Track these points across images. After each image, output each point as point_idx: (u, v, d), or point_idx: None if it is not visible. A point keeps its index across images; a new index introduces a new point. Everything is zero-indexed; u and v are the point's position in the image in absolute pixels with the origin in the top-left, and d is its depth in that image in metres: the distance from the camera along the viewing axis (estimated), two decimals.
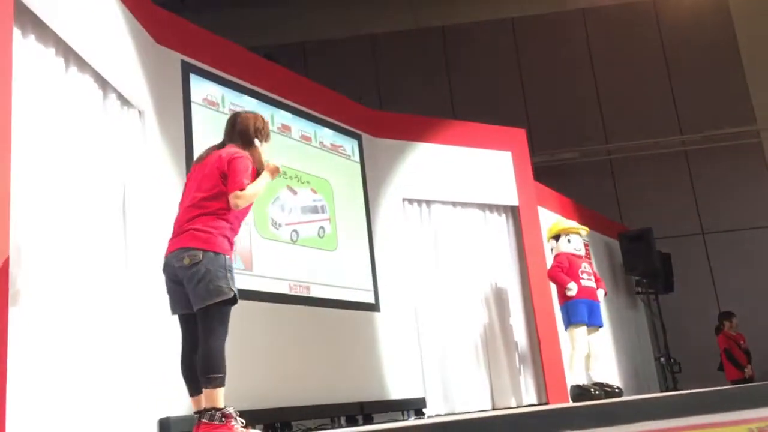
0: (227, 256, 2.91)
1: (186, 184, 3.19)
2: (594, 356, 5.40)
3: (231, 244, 3.00)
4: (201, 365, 2.81)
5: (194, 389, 2.91)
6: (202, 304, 2.83)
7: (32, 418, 2.75)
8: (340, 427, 4.84)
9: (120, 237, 3.68)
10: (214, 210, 2.95)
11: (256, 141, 3.16)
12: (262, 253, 4.74)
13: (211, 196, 2.96)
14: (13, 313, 2.73)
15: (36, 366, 2.81)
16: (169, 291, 3.01)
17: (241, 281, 3.70)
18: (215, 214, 2.95)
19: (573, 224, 5.87)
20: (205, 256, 2.84)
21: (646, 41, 10.27)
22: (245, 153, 3.08)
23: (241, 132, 3.17)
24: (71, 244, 3.21)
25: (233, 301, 2.89)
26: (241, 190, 2.92)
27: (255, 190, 2.99)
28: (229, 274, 2.88)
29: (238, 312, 3.00)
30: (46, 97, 3.17)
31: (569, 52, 10.31)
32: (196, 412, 2.89)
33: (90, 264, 3.34)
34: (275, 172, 3.11)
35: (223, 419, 2.78)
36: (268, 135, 3.25)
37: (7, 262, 2.68)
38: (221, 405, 2.80)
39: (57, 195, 3.15)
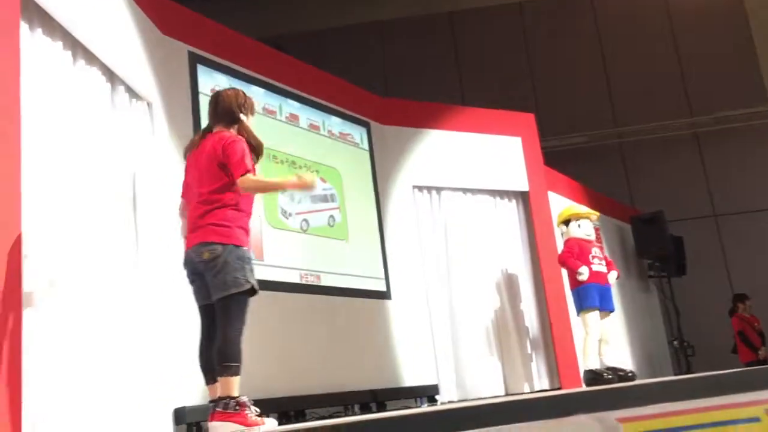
0: (245, 248, 2.95)
1: (186, 175, 3.20)
2: (605, 341, 5.39)
3: (247, 233, 3.01)
4: (217, 353, 2.84)
5: (211, 378, 2.94)
6: (220, 294, 2.89)
7: (49, 409, 2.78)
8: (354, 414, 4.85)
9: (131, 229, 3.69)
10: (226, 202, 2.97)
11: (242, 116, 3.15)
12: (273, 243, 4.75)
13: (218, 189, 2.98)
14: (26, 308, 2.75)
15: (51, 358, 2.84)
16: (192, 283, 3.07)
17: None
18: (228, 206, 2.97)
19: (583, 209, 5.83)
20: (225, 249, 2.89)
21: (656, 22, 10.17)
22: (236, 135, 3.07)
23: (225, 111, 3.15)
24: (82, 237, 3.22)
25: (251, 292, 2.95)
26: (248, 172, 2.92)
27: (264, 184, 2.99)
28: (247, 266, 2.92)
29: (250, 302, 3.01)
30: (54, 91, 3.18)
31: (578, 35, 10.23)
32: (211, 401, 2.91)
33: (101, 257, 3.35)
34: (304, 186, 3.03)
35: (238, 408, 2.80)
36: (252, 108, 3.23)
37: (20, 254, 2.69)
38: (236, 394, 2.82)
39: (67, 189, 3.16)
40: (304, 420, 4.49)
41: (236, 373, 2.83)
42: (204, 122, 4.44)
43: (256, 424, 2.79)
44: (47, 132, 3.07)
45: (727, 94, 9.70)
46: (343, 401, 4.96)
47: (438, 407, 4.85)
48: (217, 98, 3.21)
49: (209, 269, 2.90)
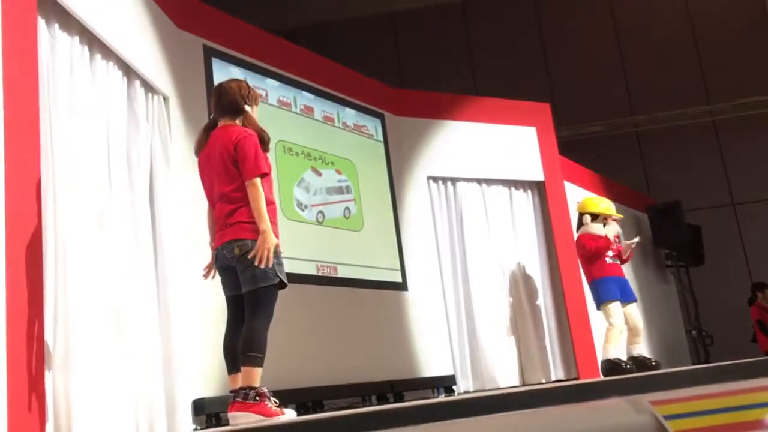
0: (275, 242, 2.95)
1: (202, 176, 3.19)
2: (635, 331, 5.36)
3: (275, 225, 3.02)
4: (242, 343, 2.88)
5: (233, 368, 2.97)
6: (250, 287, 2.94)
7: (71, 400, 2.81)
8: (371, 405, 4.88)
9: (148, 222, 3.72)
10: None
11: (246, 107, 3.14)
12: (289, 235, 4.75)
13: (238, 187, 2.99)
14: (48, 301, 2.79)
15: (73, 351, 2.87)
16: (221, 275, 3.11)
17: None
18: None
19: (613, 210, 5.78)
20: (254, 245, 2.92)
21: (673, 9, 10.06)
22: (246, 130, 3.06)
23: (229, 103, 3.14)
24: (99, 231, 3.25)
25: (280, 286, 2.98)
26: (259, 175, 2.95)
27: (258, 206, 2.94)
28: (275, 260, 2.94)
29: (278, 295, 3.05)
30: (71, 86, 3.20)
31: (593, 23, 10.14)
32: (231, 391, 2.94)
33: (119, 251, 3.38)
34: (263, 242, 2.91)
35: (258, 398, 2.83)
36: (255, 98, 3.20)
37: (40, 249, 2.73)
38: (257, 384, 2.86)
39: (84, 182, 3.18)
40: (322, 411, 4.52)
41: (259, 364, 2.87)
42: None
43: (276, 415, 2.82)
44: (64, 126, 3.09)
45: (746, 81, 9.58)
46: (361, 392, 4.98)
47: (455, 397, 4.86)
48: (220, 90, 3.19)
49: (240, 263, 2.95)
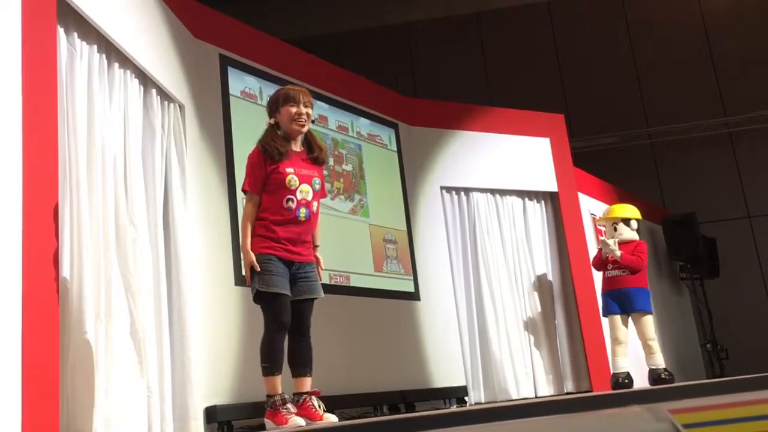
0: (262, 254, 3.01)
1: None
2: (644, 346, 5.27)
3: (269, 237, 3.03)
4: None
5: (293, 372, 3.09)
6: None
7: (85, 406, 2.83)
8: (383, 414, 4.86)
9: (161, 230, 3.73)
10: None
11: (271, 120, 3.19)
12: None
13: None
14: (63, 308, 2.81)
15: (87, 356, 2.88)
16: None
17: None
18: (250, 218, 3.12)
19: (605, 216, 5.75)
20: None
21: (687, 20, 10.02)
22: (255, 149, 3.14)
23: (269, 114, 3.24)
24: (114, 238, 3.27)
25: (265, 296, 3.00)
26: (246, 192, 3.11)
27: (243, 224, 3.11)
28: (258, 272, 2.98)
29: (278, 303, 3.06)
30: (89, 93, 3.23)
31: (608, 34, 10.12)
32: (294, 394, 3.04)
33: (133, 257, 3.39)
34: (246, 266, 3.06)
35: (273, 407, 2.93)
36: (284, 98, 3.15)
37: (56, 252, 2.75)
38: (274, 392, 2.95)
39: (100, 189, 3.21)
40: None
41: (266, 373, 2.96)
42: (234, 124, 4.52)
43: (281, 423, 2.86)
44: (82, 133, 3.12)
45: (762, 92, 9.52)
46: (372, 402, 4.96)
47: (467, 408, 4.83)
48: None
49: None
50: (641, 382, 5.51)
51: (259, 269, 2.97)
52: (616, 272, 5.38)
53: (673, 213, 9.00)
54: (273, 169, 3.04)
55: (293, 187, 3.05)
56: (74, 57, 3.14)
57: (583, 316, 6.28)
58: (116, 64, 3.51)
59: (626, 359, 5.27)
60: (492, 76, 9.97)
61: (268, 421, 2.94)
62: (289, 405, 2.93)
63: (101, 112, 3.29)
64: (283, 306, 3.01)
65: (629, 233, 5.46)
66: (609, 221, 5.55)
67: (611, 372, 5.36)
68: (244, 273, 3.06)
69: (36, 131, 2.66)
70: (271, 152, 3.06)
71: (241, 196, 4.33)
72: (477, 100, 8.13)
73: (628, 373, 5.22)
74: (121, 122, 3.48)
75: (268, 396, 2.95)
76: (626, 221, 5.48)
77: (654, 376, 5.17)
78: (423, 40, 10.14)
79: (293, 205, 3.05)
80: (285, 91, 3.20)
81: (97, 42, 3.35)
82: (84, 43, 3.25)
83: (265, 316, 3.02)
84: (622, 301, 5.30)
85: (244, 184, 3.12)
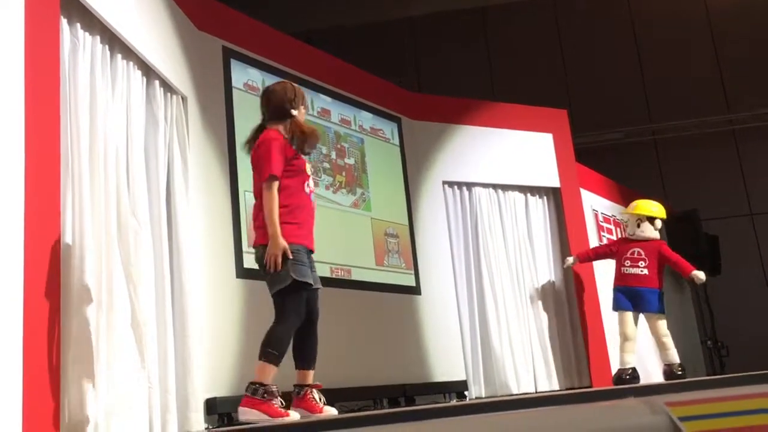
0: (292, 244, 2.97)
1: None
2: (633, 340, 5.30)
3: (296, 225, 3.03)
4: (265, 336, 2.95)
5: (298, 364, 3.09)
6: (270, 292, 3.02)
7: (87, 398, 2.84)
8: (383, 408, 4.87)
9: (164, 222, 3.74)
10: None
11: (293, 111, 3.18)
12: None
13: (261, 191, 3.08)
14: (66, 300, 2.81)
15: (88, 348, 2.89)
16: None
17: None
18: None
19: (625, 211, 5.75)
20: (266, 250, 2.97)
21: (692, 16, 9.98)
22: (271, 134, 3.09)
23: (276, 108, 3.21)
24: (116, 230, 3.27)
25: (297, 285, 2.97)
26: (271, 177, 2.98)
27: (270, 209, 2.97)
28: (291, 260, 2.95)
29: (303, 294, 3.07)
30: (92, 85, 3.23)
31: (612, 29, 10.09)
32: (295, 386, 3.03)
33: (135, 250, 3.39)
34: (274, 249, 2.95)
35: (266, 396, 2.85)
36: (302, 98, 3.24)
37: (59, 246, 2.75)
38: (267, 381, 2.88)
39: (102, 181, 3.21)
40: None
41: (273, 361, 2.91)
42: (237, 116, 4.52)
43: (281, 416, 2.83)
44: (85, 125, 3.12)
45: (767, 91, 9.49)
46: (372, 395, 4.97)
47: (466, 402, 4.84)
48: (268, 95, 3.27)
49: (261, 269, 3.03)
50: (645, 379, 5.52)
51: (291, 257, 2.95)
52: (635, 270, 5.33)
53: (676, 210, 8.98)
54: (295, 154, 3.09)
55: (309, 174, 3.16)
56: (77, 48, 3.14)
57: (583, 311, 6.28)
58: (119, 56, 3.50)
59: (633, 356, 5.29)
60: (495, 71, 9.94)
61: (251, 411, 2.83)
62: (277, 400, 2.88)
63: (104, 103, 3.29)
64: (309, 299, 3.05)
65: (652, 232, 5.42)
66: (634, 217, 5.51)
67: (619, 367, 5.33)
68: (268, 265, 2.93)
69: (38, 122, 2.66)
70: (310, 142, 3.11)
71: (243, 188, 4.35)
72: (480, 95, 8.12)
73: (634, 368, 5.23)
74: (123, 114, 3.48)
75: (260, 384, 2.86)
76: (651, 219, 5.43)
77: (668, 372, 5.18)
78: (427, 34, 10.11)
79: (308, 191, 3.13)
80: (300, 90, 3.27)
81: (100, 33, 3.34)
82: (87, 34, 3.25)
83: (289, 306, 2.97)
84: (634, 299, 5.29)
85: (269, 168, 2.98)
